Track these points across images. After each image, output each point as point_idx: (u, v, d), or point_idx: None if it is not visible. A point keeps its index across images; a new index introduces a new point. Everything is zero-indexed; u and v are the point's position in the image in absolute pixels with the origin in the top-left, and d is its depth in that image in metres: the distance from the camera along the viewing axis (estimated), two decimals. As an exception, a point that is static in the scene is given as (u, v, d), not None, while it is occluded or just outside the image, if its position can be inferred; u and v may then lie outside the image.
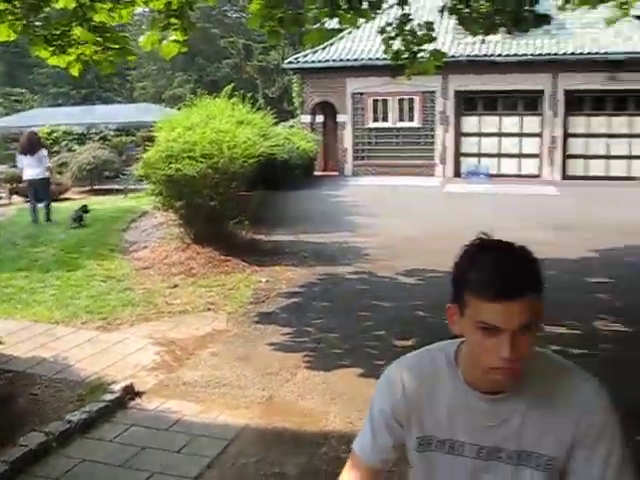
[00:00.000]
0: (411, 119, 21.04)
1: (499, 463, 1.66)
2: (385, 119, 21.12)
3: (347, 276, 8.16)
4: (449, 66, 19.24)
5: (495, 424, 1.63)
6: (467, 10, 7.59)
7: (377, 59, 18.31)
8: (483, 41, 8.25)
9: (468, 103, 20.59)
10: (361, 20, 6.96)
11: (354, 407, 4.35)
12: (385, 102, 20.91)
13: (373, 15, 7.11)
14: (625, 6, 9.69)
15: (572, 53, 18.90)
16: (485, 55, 18.94)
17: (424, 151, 20.96)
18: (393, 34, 7.39)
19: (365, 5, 6.74)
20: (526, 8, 8.06)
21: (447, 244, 8.85)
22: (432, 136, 20.87)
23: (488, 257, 1.52)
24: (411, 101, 20.75)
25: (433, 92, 20.34)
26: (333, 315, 6.59)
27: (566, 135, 19.98)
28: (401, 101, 20.79)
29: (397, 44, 7.48)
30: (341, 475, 1.78)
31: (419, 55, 7.29)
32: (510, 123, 20.51)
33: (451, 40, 19.30)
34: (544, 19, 7.80)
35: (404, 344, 5.59)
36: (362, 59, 20.07)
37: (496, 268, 1.48)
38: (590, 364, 1.96)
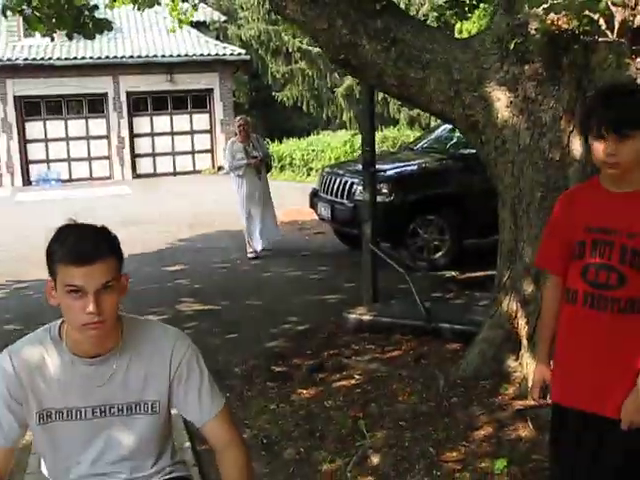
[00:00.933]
0: (-32, 127, 19.56)
1: (112, 417, 1.92)
2: None
3: None
4: (5, 69, 18.58)
5: (102, 384, 1.89)
6: (29, 10, 7.40)
7: None
8: (52, 39, 8.09)
9: (31, 108, 19.87)
10: None
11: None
12: None
13: None
14: (184, 17, 10.56)
15: (131, 56, 19.58)
16: (43, 59, 18.56)
17: (-14, 161, 19.72)
18: None
19: None
20: (86, 14, 8.03)
21: (24, 253, 8.79)
22: (-6, 144, 19.72)
23: (71, 231, 1.79)
24: (-34, 108, 19.26)
25: (-11, 98, 19.21)
26: None
27: (132, 135, 20.68)
28: (-47, 108, 19.16)
29: None
30: None
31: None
32: (77, 126, 20.43)
33: (5, 43, 18.44)
34: (106, 26, 7.92)
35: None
36: None
37: (77, 239, 1.76)
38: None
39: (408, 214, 7.85)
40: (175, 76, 20.30)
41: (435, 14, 7.72)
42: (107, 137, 20.54)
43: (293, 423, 3.92)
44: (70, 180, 20.09)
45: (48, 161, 20.38)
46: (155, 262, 8.87)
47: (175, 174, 20.91)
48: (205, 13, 21.80)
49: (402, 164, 8.87)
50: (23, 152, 19.95)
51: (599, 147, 2.07)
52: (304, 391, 4.35)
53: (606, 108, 2.08)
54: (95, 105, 20.38)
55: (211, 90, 20.99)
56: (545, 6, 3.32)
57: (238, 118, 9.45)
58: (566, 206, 2.31)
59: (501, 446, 3.40)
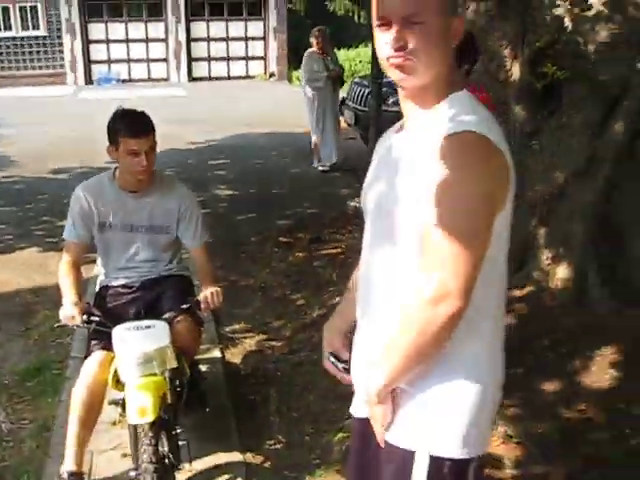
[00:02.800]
0: (35, 27, 20.79)
1: (141, 233, 3.13)
2: (7, 28, 20.55)
3: (3, 180, 8.87)
4: (71, -28, 19.57)
5: (137, 210, 3.10)
6: None
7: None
8: None
9: (94, 10, 20.92)
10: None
11: (34, 272, 5.56)
12: (6, 9, 20.27)
13: None
14: None
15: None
16: (107, -39, 19.47)
17: (53, 60, 21.00)
18: None
19: None
20: None
21: (86, 144, 10.26)
22: (60, 44, 20.91)
23: (128, 115, 2.94)
24: (34, 9, 20.43)
25: (55, -2, 20.32)
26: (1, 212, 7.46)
27: (189, 39, 21.65)
28: (23, 8, 20.35)
29: None
30: (61, 261, 3.08)
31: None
32: (136, 29, 21.48)
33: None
34: None
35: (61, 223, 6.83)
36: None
37: (133, 120, 2.92)
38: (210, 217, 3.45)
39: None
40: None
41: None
42: (165, 40, 21.55)
43: (285, 275, 5.16)
44: (130, 80, 21.35)
45: (109, 61, 21.58)
46: (200, 155, 10.10)
47: (229, 78, 21.94)
48: None
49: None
50: (86, 52, 21.18)
51: None
52: (300, 254, 5.56)
53: None
54: (154, 9, 21.33)
55: (265, -2, 21.68)
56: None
57: (315, 29, 9.31)
58: None
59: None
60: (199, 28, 21.78)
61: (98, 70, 21.40)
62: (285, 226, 6.47)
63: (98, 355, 2.84)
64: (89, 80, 21.23)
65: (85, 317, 2.75)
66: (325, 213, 6.89)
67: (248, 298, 4.85)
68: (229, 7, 21.75)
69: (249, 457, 3.10)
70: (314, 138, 9.21)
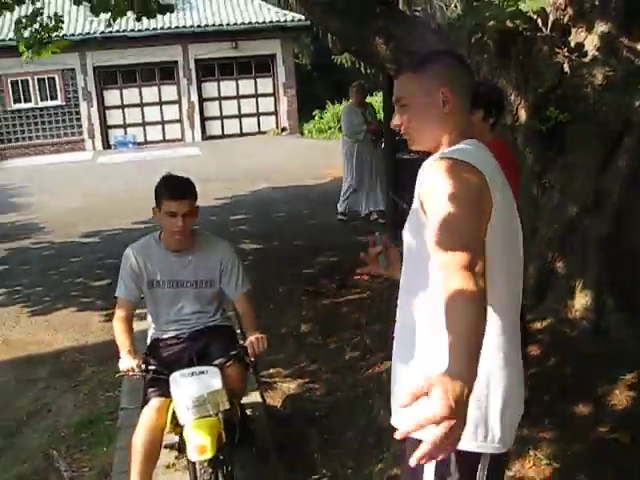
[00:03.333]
0: (53, 97, 21.57)
1: (187, 288, 3.41)
2: (27, 99, 21.34)
3: (32, 246, 9.23)
4: (85, 43, 20.36)
5: (182, 267, 3.38)
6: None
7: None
8: (111, 22, 9.21)
9: (108, 77, 21.72)
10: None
11: (75, 332, 5.84)
12: (25, 82, 21.08)
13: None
14: None
15: (198, 26, 21.06)
16: (118, 31, 20.12)
17: (71, 127, 21.72)
18: (25, 24, 8.22)
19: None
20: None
21: (110, 206, 10.73)
22: (77, 112, 21.64)
23: (170, 179, 3.25)
24: (52, 80, 21.23)
25: (72, 69, 21.05)
26: (34, 275, 7.77)
27: (201, 100, 22.35)
28: (41, 80, 21.15)
29: (28, 33, 8.33)
30: (115, 317, 3.35)
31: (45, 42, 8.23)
32: (150, 93, 22.22)
33: (84, 18, 20.16)
34: (169, 8, 9.37)
35: (101, 284, 7.14)
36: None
37: (174, 184, 3.22)
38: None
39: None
40: (240, 43, 21.75)
41: None
42: (178, 102, 22.23)
43: (315, 322, 5.41)
44: (145, 143, 21.98)
45: (125, 126, 22.25)
46: (221, 212, 10.45)
47: (242, 135, 22.54)
48: (267, -19, 23.08)
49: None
50: (102, 118, 21.88)
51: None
52: (327, 301, 5.82)
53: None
54: (166, 73, 22.08)
55: (274, 55, 22.37)
56: (487, 14, 4.60)
57: (354, 83, 9.41)
58: None
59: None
60: (210, 88, 22.48)
61: (114, 134, 22.07)
62: (310, 275, 6.74)
63: (156, 402, 3.08)
64: (107, 145, 21.88)
65: (144, 366, 3.01)
66: (347, 260, 7.14)
67: (282, 345, 5.09)
68: (238, 66, 22.48)
69: (296, 492, 3.32)
70: (345, 186, 9.32)
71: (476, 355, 1.47)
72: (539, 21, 4.81)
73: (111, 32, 20.11)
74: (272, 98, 23.02)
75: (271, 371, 4.70)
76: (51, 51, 8.42)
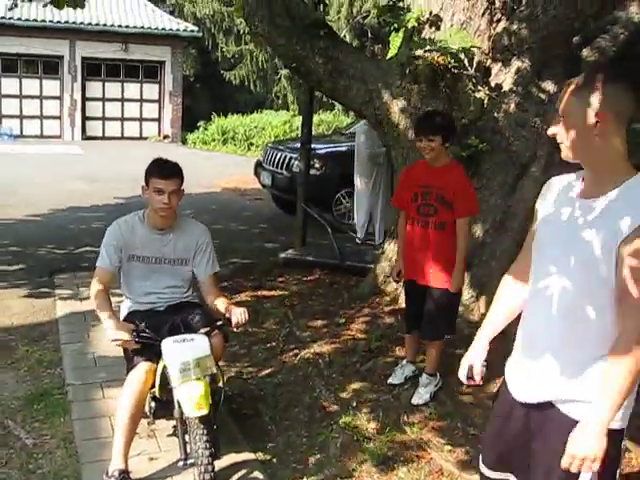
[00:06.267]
0: None
1: (164, 264, 3.69)
2: None
3: None
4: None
5: (162, 245, 3.66)
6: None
7: None
8: (15, 6, 8.99)
9: (-15, 65, 20.86)
10: None
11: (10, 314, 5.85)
12: None
13: None
14: None
15: (89, 23, 20.67)
16: (3, 17, 19.46)
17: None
18: None
19: None
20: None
21: None
22: (-51, 96, 20.64)
23: (160, 161, 3.55)
24: None
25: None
26: None
27: (85, 98, 21.88)
28: None
29: None
30: (91, 286, 3.56)
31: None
32: (31, 85, 21.50)
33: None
34: (80, 2, 9.27)
35: (8, 269, 7.11)
36: None
37: (164, 165, 3.53)
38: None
39: (335, 186, 9.74)
40: (130, 46, 21.58)
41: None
42: (60, 98, 21.66)
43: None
44: (22, 136, 21.20)
45: (0, 116, 21.37)
46: (110, 213, 10.42)
47: (122, 138, 22.28)
48: (161, -12, 23.10)
49: (333, 145, 10.77)
50: (-23, 106, 20.95)
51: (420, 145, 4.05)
52: (248, 298, 6.16)
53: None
54: (50, 67, 21.48)
55: (163, 62, 22.37)
56: (427, 48, 5.21)
57: None
58: (406, 174, 4.28)
59: (377, 327, 5.33)
60: (95, 88, 22.07)
61: (-12, 125, 21.15)
62: (225, 274, 7.03)
63: (143, 366, 3.33)
64: (-22, 134, 20.92)
65: (134, 334, 3.27)
66: (258, 263, 7.52)
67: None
68: (126, 69, 22.25)
69: (260, 455, 3.65)
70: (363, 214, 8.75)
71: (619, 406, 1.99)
72: (465, 60, 5.46)
73: (-3, 18, 19.48)
74: (157, 104, 22.95)
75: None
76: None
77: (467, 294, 5.52)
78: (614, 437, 2.03)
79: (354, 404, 4.21)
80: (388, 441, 3.80)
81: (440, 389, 4.34)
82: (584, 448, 1.95)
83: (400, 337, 4.95)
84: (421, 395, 4.26)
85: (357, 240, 8.52)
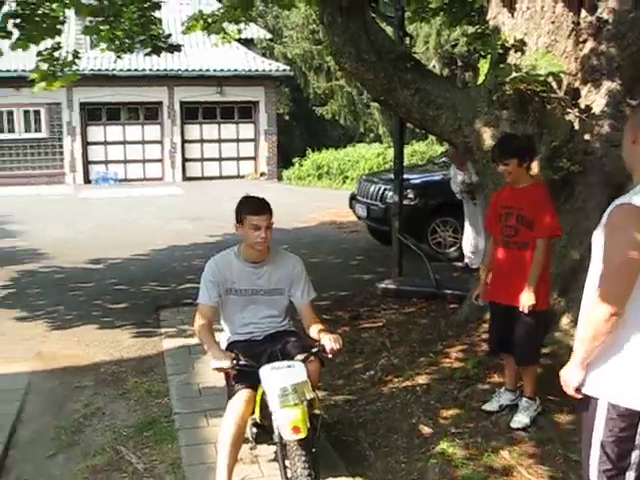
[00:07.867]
0: (38, 130, 21.88)
1: (260, 296, 3.85)
2: (11, 130, 21.61)
3: (41, 270, 9.51)
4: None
5: (257, 277, 3.83)
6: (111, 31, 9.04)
7: None
8: (118, 58, 9.48)
9: (93, 114, 22.16)
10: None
11: (107, 347, 6.17)
12: (10, 113, 21.38)
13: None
14: (227, 36, 12.42)
15: (185, 69, 21.72)
16: (107, 70, 20.69)
17: (53, 160, 22.02)
18: (45, 57, 8.48)
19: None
20: (162, 38, 9.74)
21: (105, 238, 11.20)
22: (60, 146, 21.98)
23: (251, 198, 3.73)
24: (37, 113, 21.57)
25: (59, 104, 21.45)
26: (51, 296, 8.07)
27: (184, 141, 22.87)
28: (26, 113, 21.48)
29: (45, 65, 8.58)
30: (195, 322, 3.76)
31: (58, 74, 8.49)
32: (133, 132, 22.68)
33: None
34: (177, 48, 9.83)
35: (118, 307, 7.49)
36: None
37: (255, 202, 3.71)
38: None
39: (429, 215, 9.79)
40: (224, 88, 22.45)
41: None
42: (160, 142, 22.73)
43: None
44: (126, 180, 22.33)
45: (106, 162, 22.62)
46: (210, 250, 10.79)
47: (221, 177, 23.06)
48: (252, 31, 23.88)
49: (426, 174, 10.81)
50: (85, 153, 22.25)
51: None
52: (346, 329, 6.26)
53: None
54: (151, 113, 22.62)
55: (257, 102, 23.13)
56: (513, 75, 5.24)
57: (450, 150, 8.90)
58: (494, 198, 4.31)
59: (474, 354, 5.31)
60: (193, 130, 23.02)
61: (95, 170, 22.38)
62: (324, 306, 7.18)
63: (244, 392, 3.48)
64: (87, 179, 22.19)
65: (234, 362, 3.43)
66: (356, 294, 7.63)
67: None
68: (221, 111, 23.12)
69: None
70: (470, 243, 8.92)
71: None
72: (554, 84, 5.44)
73: (100, 70, 20.75)
74: (252, 143, 23.66)
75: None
76: (60, 84, 8.80)
77: (566, 319, 5.44)
78: (629, 417, 2.29)
79: (452, 430, 4.22)
80: (486, 467, 3.78)
81: (540, 414, 4.28)
82: (563, 374, 2.50)
83: (498, 363, 4.92)
84: (520, 419, 4.22)
85: (461, 264, 8.97)
